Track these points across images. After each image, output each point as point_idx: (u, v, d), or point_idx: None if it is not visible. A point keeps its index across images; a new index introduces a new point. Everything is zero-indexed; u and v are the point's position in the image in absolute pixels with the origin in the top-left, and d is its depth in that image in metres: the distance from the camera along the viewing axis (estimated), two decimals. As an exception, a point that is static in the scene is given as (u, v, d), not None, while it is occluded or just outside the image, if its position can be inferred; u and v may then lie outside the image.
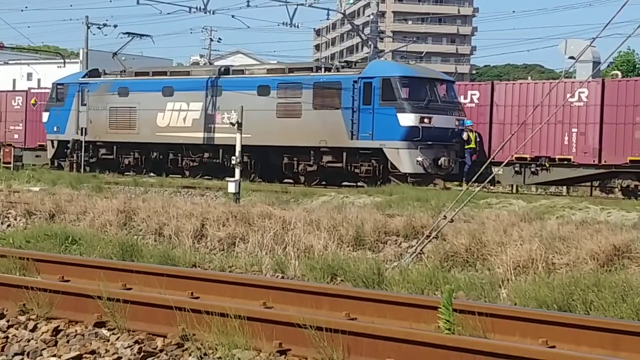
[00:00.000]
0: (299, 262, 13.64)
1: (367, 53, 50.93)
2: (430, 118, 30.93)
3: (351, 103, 31.77)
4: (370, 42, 47.64)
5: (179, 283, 10.28)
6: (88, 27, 56.68)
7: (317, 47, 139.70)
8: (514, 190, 33.64)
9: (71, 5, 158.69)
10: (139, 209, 18.80)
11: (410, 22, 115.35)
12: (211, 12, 41.65)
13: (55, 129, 40.55)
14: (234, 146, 33.82)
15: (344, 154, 32.10)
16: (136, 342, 7.78)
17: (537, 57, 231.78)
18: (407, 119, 30.75)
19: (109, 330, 8.15)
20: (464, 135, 31.94)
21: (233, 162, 26.13)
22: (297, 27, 43.92)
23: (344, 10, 50.91)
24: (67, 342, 8.00)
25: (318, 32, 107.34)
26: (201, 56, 71.46)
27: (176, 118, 36.37)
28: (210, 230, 16.99)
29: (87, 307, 8.52)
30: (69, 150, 40.47)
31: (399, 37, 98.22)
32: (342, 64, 34.51)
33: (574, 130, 31.39)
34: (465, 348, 6.89)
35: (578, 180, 33.07)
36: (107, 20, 55.08)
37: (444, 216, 15.36)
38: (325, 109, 32.46)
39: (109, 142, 38.75)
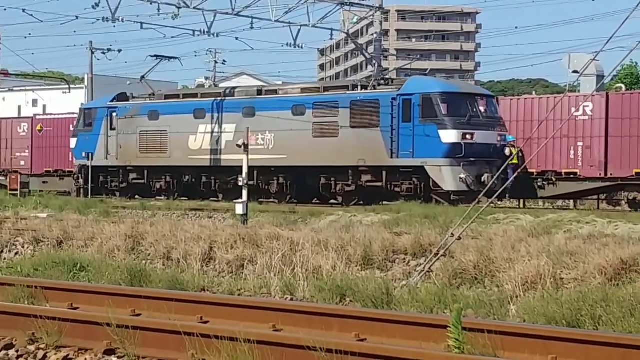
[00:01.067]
0: (308, 283, 13.64)
1: (372, 71, 51.01)
2: (472, 134, 30.36)
3: (390, 121, 31.25)
4: (374, 61, 47.63)
5: (188, 308, 10.28)
6: (92, 53, 56.95)
7: (322, 67, 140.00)
8: (521, 205, 33.59)
9: (75, 31, 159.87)
10: (147, 233, 18.83)
11: (414, 39, 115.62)
12: (215, 34, 41.66)
13: (83, 154, 39.75)
14: (269, 167, 33.63)
15: (384, 172, 31.57)
16: (146, 368, 7.79)
17: (541, 71, 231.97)
18: (449, 136, 30.20)
19: (118, 357, 8.15)
20: (507, 151, 31.16)
21: (240, 182, 26.16)
22: (301, 47, 43.92)
23: (348, 30, 50.92)
24: (77, 370, 8.01)
25: (322, 52, 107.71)
26: (206, 78, 71.63)
27: (209, 140, 35.78)
28: (218, 253, 17.02)
29: (97, 334, 8.52)
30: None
31: (403, 55, 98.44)
32: (379, 81, 33.82)
33: (580, 144, 31.39)
34: (474, 367, 6.90)
35: (585, 193, 33.05)
36: (111, 45, 55.36)
37: (452, 234, 15.37)
38: (363, 127, 31.90)
39: (139, 166, 38.11)
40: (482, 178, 30.16)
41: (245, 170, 25.77)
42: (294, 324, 9.45)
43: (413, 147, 30.76)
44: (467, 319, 8.84)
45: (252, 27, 41.37)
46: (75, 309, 10.29)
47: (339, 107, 32.54)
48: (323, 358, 7.24)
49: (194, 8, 38.57)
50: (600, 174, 31.07)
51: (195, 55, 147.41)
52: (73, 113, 46.57)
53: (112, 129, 38.99)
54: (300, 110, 33.51)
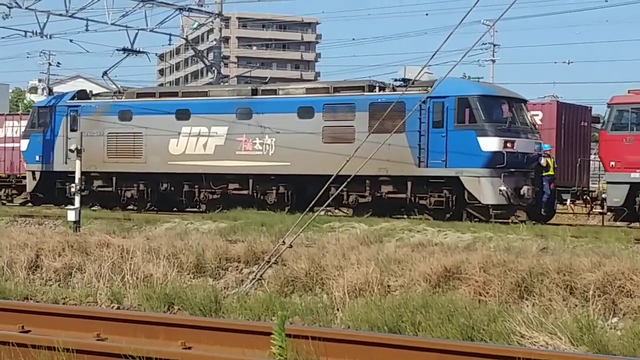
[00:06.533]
0: (137, 291, 13.48)
1: (212, 78, 50.94)
2: (513, 142, 27.44)
3: (418, 126, 27.72)
4: (214, 68, 47.61)
5: (10, 317, 10.02)
6: None
7: (161, 72, 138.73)
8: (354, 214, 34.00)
9: None
10: (-30, 241, 18.16)
11: (254, 47, 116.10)
12: (48, 36, 40.60)
13: (37, 158, 35.37)
14: (268, 176, 29.97)
15: (409, 183, 28.09)
16: (-42, 380, 7.53)
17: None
18: (491, 144, 27.18)
19: None
20: (542, 162, 28.55)
21: (73, 189, 25.44)
22: (139, 52, 43.35)
23: (187, 36, 50.62)
24: None
25: (161, 57, 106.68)
26: (40, 81, 69.82)
27: (194, 145, 31.80)
28: (45, 260, 16.59)
29: None
30: None
31: (244, 63, 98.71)
32: (399, 82, 30.29)
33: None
34: (295, 373, 6.98)
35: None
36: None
37: (283, 241, 15.50)
38: (384, 132, 26.29)
39: (106, 172, 33.79)
40: (521, 191, 27.52)
41: (78, 175, 25.05)
42: (119, 333, 9.32)
43: (446, 156, 27.57)
44: (292, 326, 8.93)
45: (87, 30, 40.62)
46: None
47: (355, 110, 29.10)
48: (144, 367, 7.17)
49: (26, 8, 37.54)
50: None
51: (28, 57, 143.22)
52: None
53: (72, 130, 34.54)
54: (307, 112, 29.90)
